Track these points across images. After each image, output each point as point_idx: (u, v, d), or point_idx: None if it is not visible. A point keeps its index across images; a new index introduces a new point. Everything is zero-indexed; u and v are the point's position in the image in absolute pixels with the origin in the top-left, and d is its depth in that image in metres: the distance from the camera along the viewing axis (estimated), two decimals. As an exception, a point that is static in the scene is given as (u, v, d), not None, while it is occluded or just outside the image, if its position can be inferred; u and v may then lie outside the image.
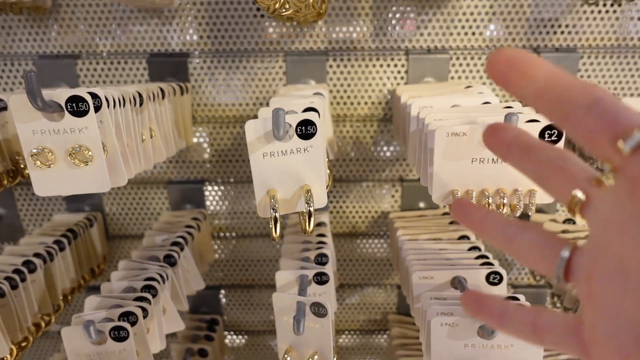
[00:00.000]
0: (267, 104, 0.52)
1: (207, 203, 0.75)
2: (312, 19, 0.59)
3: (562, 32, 0.64)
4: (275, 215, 0.39)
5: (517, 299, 0.44)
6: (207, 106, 0.69)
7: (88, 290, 0.78)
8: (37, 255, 0.57)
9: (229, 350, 0.87)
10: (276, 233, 0.39)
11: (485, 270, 0.51)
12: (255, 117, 0.41)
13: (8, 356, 0.51)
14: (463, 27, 0.64)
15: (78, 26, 0.65)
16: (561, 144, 0.37)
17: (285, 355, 0.48)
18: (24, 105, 0.37)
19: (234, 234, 0.77)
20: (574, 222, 0.65)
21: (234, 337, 0.87)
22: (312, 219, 0.39)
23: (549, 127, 0.37)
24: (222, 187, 0.74)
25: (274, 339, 0.86)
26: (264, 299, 0.82)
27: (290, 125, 0.39)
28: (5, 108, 0.52)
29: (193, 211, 0.73)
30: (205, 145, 0.71)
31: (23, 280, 0.54)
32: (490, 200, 0.39)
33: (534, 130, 0.37)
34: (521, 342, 0.42)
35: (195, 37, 0.65)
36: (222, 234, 0.77)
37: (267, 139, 0.39)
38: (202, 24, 0.65)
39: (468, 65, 0.66)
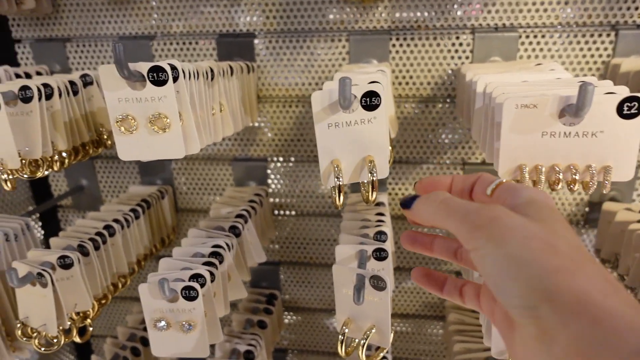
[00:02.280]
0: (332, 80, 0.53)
1: (269, 181, 0.77)
2: (377, -3, 0.59)
3: (646, 7, 0.60)
4: (339, 184, 0.40)
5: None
6: (271, 85, 0.71)
7: (157, 258, 0.83)
8: (116, 221, 0.62)
9: (284, 326, 0.90)
10: (340, 201, 0.40)
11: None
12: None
13: (90, 310, 0.56)
14: (534, 3, 0.61)
15: (154, 9, 0.69)
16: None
17: (344, 327, 0.49)
18: (111, 75, 0.40)
19: (293, 212, 0.79)
20: (652, 211, 0.61)
21: (290, 313, 0.89)
22: (375, 188, 0.40)
23: (627, 99, 0.35)
24: (284, 166, 0.76)
25: (329, 318, 0.88)
26: (321, 278, 0.84)
27: (355, 97, 0.40)
28: (91, 83, 0.56)
29: (256, 187, 0.76)
30: (269, 124, 0.73)
31: (104, 242, 0.59)
32: (561, 177, 0.38)
33: (612, 102, 0.36)
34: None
35: (261, 18, 0.67)
36: (282, 212, 0.80)
37: (332, 109, 0.40)
38: (268, 5, 0.66)
39: (539, 43, 0.63)
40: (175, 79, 0.42)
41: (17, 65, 0.75)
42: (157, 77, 0.41)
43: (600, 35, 0.62)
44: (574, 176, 0.38)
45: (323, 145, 0.41)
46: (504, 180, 0.30)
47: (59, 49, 0.72)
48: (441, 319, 0.85)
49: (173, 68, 0.41)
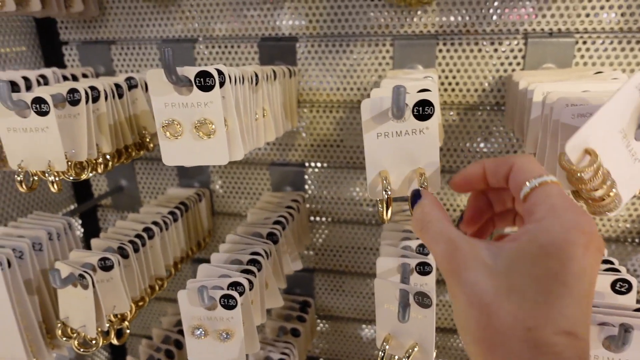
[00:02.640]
0: (378, 86, 0.52)
1: (306, 186, 0.76)
2: (425, 1, 0.57)
3: None
4: (387, 197, 0.38)
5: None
6: (312, 90, 0.70)
7: (193, 262, 0.83)
8: (154, 223, 0.62)
9: (317, 334, 0.89)
10: (387, 215, 0.39)
11: (611, 277, 0.46)
12: (367, 96, 0.41)
13: (128, 312, 0.56)
14: (593, 7, 0.58)
15: (197, 12, 0.69)
16: None
17: (384, 344, 0.48)
18: (159, 79, 0.39)
19: (330, 219, 0.78)
20: None
21: (323, 321, 0.88)
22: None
23: None
24: (322, 172, 0.75)
25: (362, 328, 0.86)
26: (355, 287, 0.82)
27: (407, 105, 0.38)
28: (135, 86, 0.56)
29: (292, 193, 0.75)
30: (308, 128, 0.72)
31: (143, 245, 0.59)
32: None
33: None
34: None
35: (303, 22, 0.66)
36: (318, 218, 0.78)
37: (381, 118, 0.38)
38: (311, 8, 0.65)
39: (597, 50, 0.60)
40: (221, 84, 0.41)
41: (64, 66, 0.76)
42: (204, 82, 0.40)
43: (665, 42, 0.58)
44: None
45: (371, 155, 0.39)
46: (538, 183, 0.26)
47: (104, 51, 0.73)
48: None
49: (220, 73, 0.40)
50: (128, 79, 0.55)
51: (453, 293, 0.26)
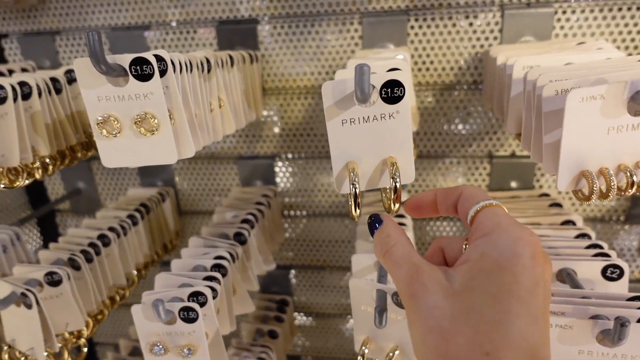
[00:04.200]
0: (344, 68, 0.47)
1: (278, 179, 0.71)
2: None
3: None
4: (355, 192, 0.34)
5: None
6: (277, 76, 0.65)
7: (161, 265, 0.78)
8: (111, 229, 0.57)
9: (297, 331, 0.85)
10: (356, 211, 0.34)
11: (601, 263, 0.43)
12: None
13: (84, 329, 0.52)
14: (573, -26, 0.54)
15: (148, -4, 0.63)
16: None
17: (363, 347, 0.44)
18: (88, 69, 0.34)
19: (305, 213, 0.74)
20: None
21: (304, 317, 0.84)
22: (399, 196, 0.34)
23: None
24: (294, 163, 0.70)
25: (344, 322, 0.83)
26: (335, 281, 0.78)
27: (374, 87, 0.33)
28: (76, 79, 0.51)
29: (263, 187, 0.70)
30: (276, 118, 0.67)
31: (98, 254, 0.54)
32: (636, 179, 0.31)
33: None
34: None
35: (264, 2, 0.61)
36: (292, 212, 0.74)
37: (346, 103, 0.34)
38: (272, -13, 0.60)
39: (577, 20, 0.56)
40: (163, 73, 0.36)
41: (5, 61, 0.69)
42: (141, 70, 0.35)
43: (647, 9, 0.54)
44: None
45: (336, 145, 0.34)
46: (481, 207, 0.27)
47: (48, 43, 0.67)
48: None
49: (160, 59, 0.35)
50: (67, 72, 0.49)
51: (411, 319, 0.25)
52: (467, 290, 0.24)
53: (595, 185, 0.30)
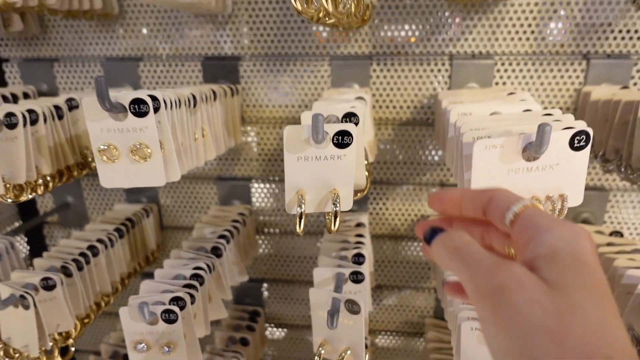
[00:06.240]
0: (311, 107, 0.55)
1: (253, 200, 0.79)
2: (356, 25, 0.61)
3: (615, 38, 0.62)
4: (300, 212, 0.40)
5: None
6: (255, 107, 0.73)
7: (142, 276, 0.84)
8: (99, 241, 0.63)
9: (268, 342, 0.91)
10: (300, 228, 0.41)
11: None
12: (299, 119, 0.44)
13: (73, 330, 0.57)
14: (509, 32, 0.64)
15: (141, 31, 0.70)
16: (588, 148, 0.37)
17: (320, 348, 0.51)
18: (94, 106, 0.41)
19: (277, 231, 0.81)
20: (621, 235, 0.63)
21: (274, 329, 0.90)
22: (338, 219, 0.41)
23: (577, 133, 0.37)
24: (268, 185, 0.77)
25: (311, 333, 0.89)
26: (304, 295, 0.85)
27: (327, 133, 0.41)
28: (77, 107, 0.57)
29: (239, 207, 0.77)
30: (253, 144, 0.75)
31: (87, 262, 0.60)
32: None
33: (566, 136, 0.37)
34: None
35: (246, 42, 0.69)
36: (266, 230, 0.81)
37: (303, 143, 0.41)
38: (252, 29, 0.68)
39: (514, 71, 0.65)
40: (156, 110, 0.43)
41: (5, 84, 0.76)
42: (139, 108, 0.42)
43: (572, 64, 0.64)
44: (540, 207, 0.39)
45: (290, 177, 0.41)
46: (522, 207, 0.25)
47: (47, 69, 0.74)
48: (421, 336, 0.86)
49: (154, 99, 0.43)
50: (69, 100, 0.56)
51: (498, 317, 0.22)
52: (560, 285, 0.21)
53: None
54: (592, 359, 0.19)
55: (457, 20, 0.64)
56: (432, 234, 0.28)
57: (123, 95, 0.42)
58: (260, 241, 0.82)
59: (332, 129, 0.39)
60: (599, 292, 0.21)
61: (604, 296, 0.21)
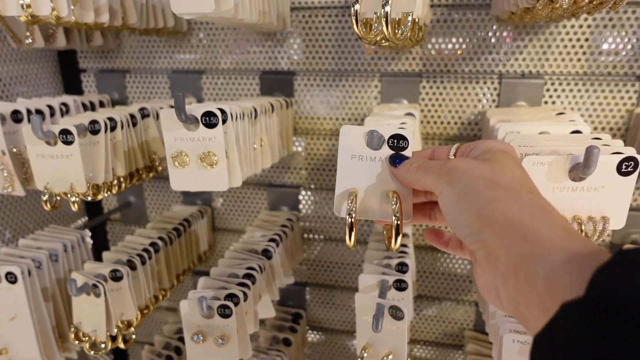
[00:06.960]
0: (362, 121, 0.58)
1: (301, 206, 0.82)
2: (409, 45, 0.64)
3: (670, 61, 0.62)
4: (350, 221, 0.36)
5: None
6: (307, 119, 0.76)
7: (194, 274, 0.89)
8: (160, 238, 0.68)
9: (308, 344, 0.94)
10: (351, 241, 0.36)
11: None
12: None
13: (134, 319, 0.62)
14: (560, 52, 0.65)
15: (204, 46, 0.76)
16: (635, 174, 0.38)
17: (363, 351, 0.53)
18: (170, 117, 0.46)
19: (322, 237, 0.84)
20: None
21: (314, 332, 0.93)
22: (400, 234, 0.36)
23: (626, 159, 0.38)
24: (315, 193, 0.81)
25: (351, 339, 0.92)
26: (345, 300, 0.88)
27: (383, 139, 0.42)
28: (148, 115, 0.63)
29: (287, 212, 0.81)
30: (303, 154, 0.79)
31: (150, 258, 0.65)
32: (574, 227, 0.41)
33: (614, 161, 0.39)
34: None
35: (301, 58, 0.73)
36: (311, 236, 0.84)
37: (358, 145, 0.42)
38: (308, 47, 0.72)
39: (564, 90, 0.66)
40: (224, 122, 0.47)
41: (81, 92, 0.83)
42: (209, 120, 0.46)
43: (625, 85, 0.64)
44: (580, 227, 0.41)
45: (342, 172, 0.39)
46: (459, 144, 0.36)
47: (119, 80, 0.81)
48: (460, 348, 0.87)
49: (223, 112, 0.47)
50: (141, 109, 0.62)
51: (452, 182, 0.31)
52: (494, 160, 0.31)
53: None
54: (519, 192, 0.29)
55: (508, 40, 0.66)
56: (399, 158, 0.37)
57: (196, 108, 0.47)
58: (305, 246, 0.85)
59: (386, 132, 0.39)
60: (521, 167, 0.32)
61: (525, 170, 0.32)
